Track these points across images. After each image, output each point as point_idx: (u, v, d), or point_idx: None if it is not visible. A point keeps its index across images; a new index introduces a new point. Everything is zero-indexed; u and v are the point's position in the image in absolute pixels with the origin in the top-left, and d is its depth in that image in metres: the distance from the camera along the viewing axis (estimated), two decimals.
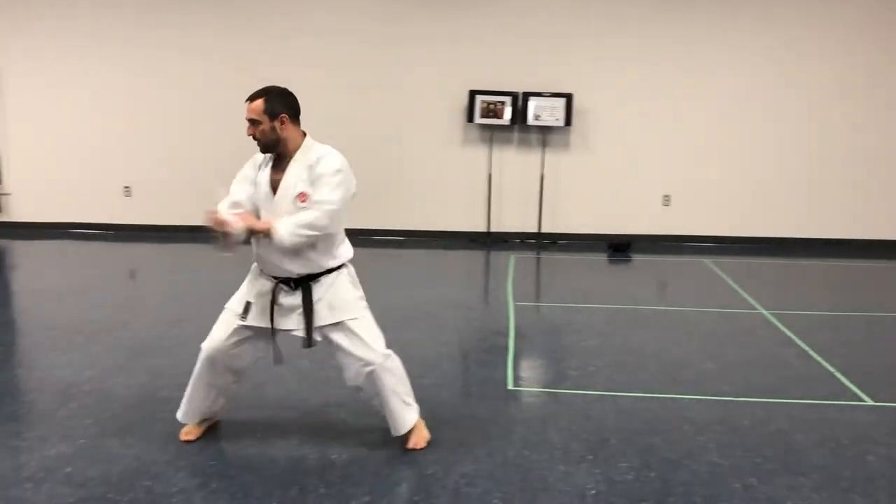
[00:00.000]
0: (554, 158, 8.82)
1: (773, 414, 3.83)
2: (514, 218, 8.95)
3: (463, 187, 8.91)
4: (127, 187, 9.07)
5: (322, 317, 3.19)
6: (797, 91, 8.56)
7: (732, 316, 5.76)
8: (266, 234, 3.06)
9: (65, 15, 8.76)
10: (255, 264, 3.33)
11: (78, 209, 9.15)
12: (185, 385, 3.41)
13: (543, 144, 8.75)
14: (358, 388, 3.33)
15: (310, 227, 3.04)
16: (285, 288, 3.21)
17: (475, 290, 6.91)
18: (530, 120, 8.54)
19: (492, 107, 8.56)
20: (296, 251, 3.11)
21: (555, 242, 8.89)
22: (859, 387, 4.20)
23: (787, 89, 8.56)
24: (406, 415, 3.35)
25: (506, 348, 4.87)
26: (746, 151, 8.71)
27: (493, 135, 8.77)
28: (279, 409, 3.80)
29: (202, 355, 3.31)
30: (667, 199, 8.88)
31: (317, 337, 3.23)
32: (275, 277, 3.21)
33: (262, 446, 3.38)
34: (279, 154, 3.18)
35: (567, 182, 8.85)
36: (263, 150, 3.20)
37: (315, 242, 3.12)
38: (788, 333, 5.23)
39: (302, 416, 3.73)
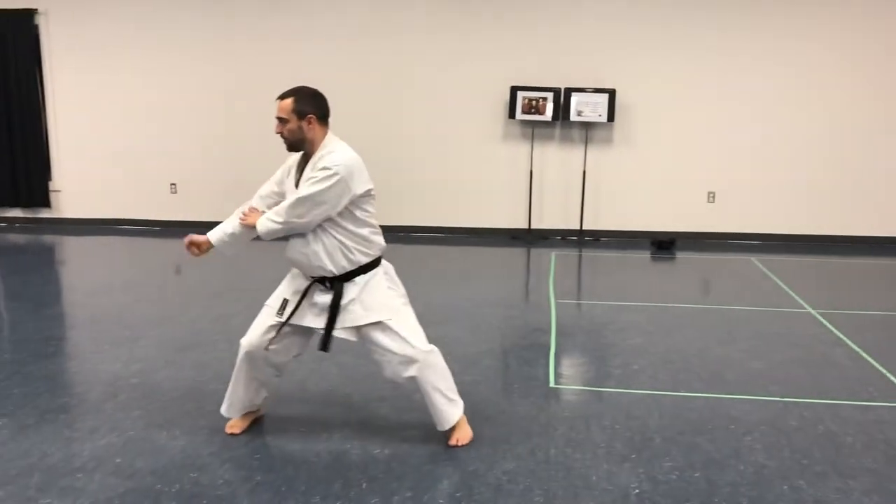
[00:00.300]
0: (596, 155, 8.74)
1: (822, 415, 3.75)
2: (556, 215, 8.90)
3: (504, 184, 8.88)
4: (173, 184, 9.22)
5: (357, 317, 3.20)
6: (845, 88, 8.37)
7: (779, 315, 5.65)
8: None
9: (115, 16, 8.94)
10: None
11: (125, 205, 9.34)
12: (230, 379, 3.45)
13: (586, 140, 8.69)
14: (398, 385, 3.35)
15: (277, 214, 3.12)
16: (321, 287, 3.23)
17: (516, 287, 6.89)
18: (573, 116, 8.48)
19: (533, 103, 8.51)
20: (325, 251, 3.15)
21: (597, 240, 8.81)
22: None
23: (835, 86, 8.37)
24: (450, 410, 3.35)
25: (547, 346, 4.85)
26: (793, 147, 8.54)
27: (534, 131, 8.73)
28: (322, 404, 3.83)
29: (241, 351, 3.35)
30: (712, 196, 8.74)
31: (350, 337, 3.25)
32: (311, 276, 3.24)
33: (305, 440, 3.41)
34: (305, 154, 3.23)
35: (610, 178, 8.77)
36: (289, 149, 3.24)
37: (301, 233, 3.16)
38: (838, 333, 5.12)
39: (345, 411, 3.75)
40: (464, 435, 3.39)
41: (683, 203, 8.76)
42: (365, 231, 3.22)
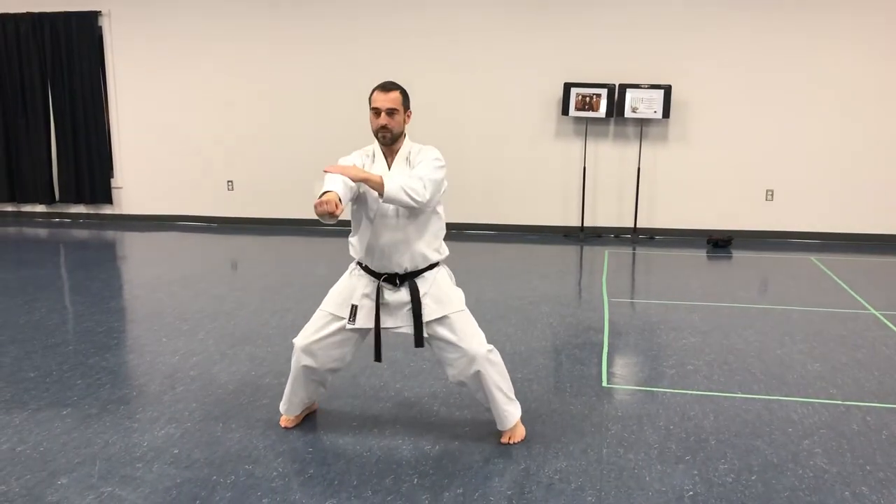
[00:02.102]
0: (651, 151, 8.62)
1: (886, 420, 3.64)
2: (609, 213, 8.81)
3: (557, 181, 8.83)
4: (230, 181, 9.39)
5: (430, 311, 3.20)
6: None
7: (841, 316, 5.50)
8: (375, 188, 2.95)
9: (174, 18, 9.14)
10: (353, 266, 3.34)
11: (184, 202, 9.56)
12: (285, 373, 3.50)
13: (640, 137, 8.57)
14: (462, 384, 3.34)
15: (412, 190, 2.97)
16: (388, 286, 3.23)
17: (569, 285, 6.84)
18: (627, 112, 8.38)
19: (587, 99, 8.43)
20: (409, 243, 3.15)
21: (651, 238, 8.70)
22: None
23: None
24: (511, 409, 3.36)
25: (600, 345, 4.80)
26: (853, 144, 8.30)
27: (588, 128, 8.65)
28: (374, 400, 3.86)
29: (301, 362, 3.32)
30: (770, 194, 8.55)
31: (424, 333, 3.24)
32: (378, 275, 3.23)
33: (357, 435, 3.44)
34: (388, 149, 3.21)
35: (665, 176, 8.64)
36: (389, 142, 3.18)
37: (418, 214, 3.13)
38: None
39: (396, 407, 3.77)
40: (517, 433, 3.38)
41: (740, 201, 8.59)
42: (443, 227, 3.29)
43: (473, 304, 3.41)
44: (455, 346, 3.20)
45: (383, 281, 3.22)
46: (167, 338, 4.87)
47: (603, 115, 8.44)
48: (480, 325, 3.33)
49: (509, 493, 2.95)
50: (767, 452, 3.29)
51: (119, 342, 4.85)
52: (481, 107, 8.76)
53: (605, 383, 4.13)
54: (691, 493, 2.95)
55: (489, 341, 3.31)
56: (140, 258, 7.90)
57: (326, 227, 8.91)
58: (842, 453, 3.28)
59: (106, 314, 5.45)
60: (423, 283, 3.22)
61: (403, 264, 3.19)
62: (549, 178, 8.83)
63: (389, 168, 3.19)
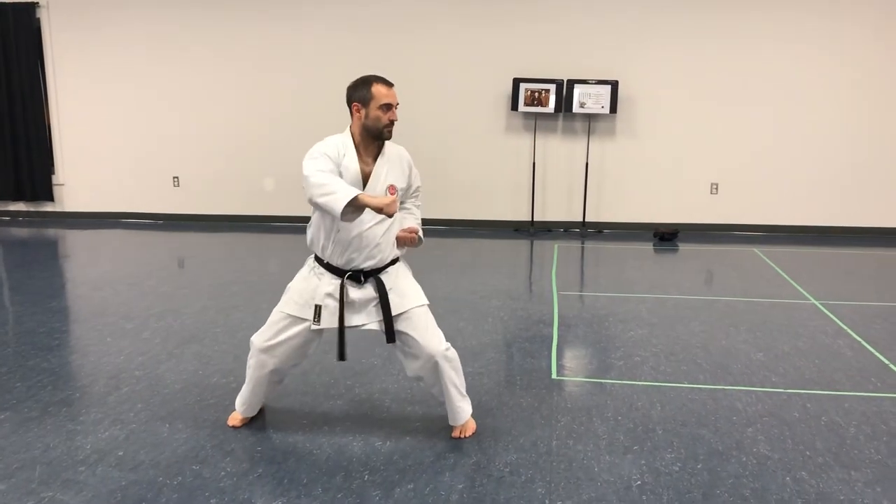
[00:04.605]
0: (599, 146, 8.72)
1: (825, 406, 3.74)
2: (559, 207, 8.89)
3: (506, 176, 8.87)
4: (176, 178, 9.22)
5: (395, 306, 3.18)
6: (847, 78, 8.34)
7: (783, 306, 5.64)
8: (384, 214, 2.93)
9: (117, 10, 8.93)
10: (312, 263, 3.26)
11: (129, 199, 9.35)
12: (233, 371, 3.46)
13: (588, 132, 8.66)
14: (419, 379, 3.32)
15: (418, 209, 3.44)
16: (352, 283, 3.18)
17: (519, 279, 6.88)
18: (575, 107, 8.46)
19: (536, 94, 8.49)
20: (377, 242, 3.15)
21: (600, 231, 8.80)
22: None
23: (836, 76, 8.35)
24: (464, 405, 3.37)
25: (550, 337, 4.84)
26: (795, 138, 8.52)
27: (537, 123, 8.70)
28: (324, 397, 3.83)
29: (265, 367, 3.28)
30: (714, 188, 8.72)
31: (381, 328, 3.20)
32: (341, 273, 3.17)
33: (307, 433, 3.41)
34: (372, 145, 3.15)
35: (612, 170, 8.75)
36: (388, 137, 3.14)
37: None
38: (841, 324, 5.11)
39: (347, 404, 3.75)
40: (467, 427, 3.39)
41: (686, 194, 8.75)
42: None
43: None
44: (416, 342, 3.19)
45: (347, 279, 3.17)
46: (112, 338, 4.76)
47: (552, 111, 8.51)
48: None
49: (460, 486, 2.96)
50: (713, 441, 3.36)
51: (61, 343, 4.73)
52: (431, 102, 8.75)
53: (554, 376, 4.17)
54: (639, 482, 2.99)
55: None
56: (83, 256, 7.72)
57: (273, 223, 8.82)
58: (783, 440, 3.37)
59: (47, 314, 5.31)
60: (387, 279, 3.21)
61: (371, 260, 3.16)
62: (498, 173, 8.87)
63: (373, 164, 3.13)
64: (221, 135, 9.05)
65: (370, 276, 3.19)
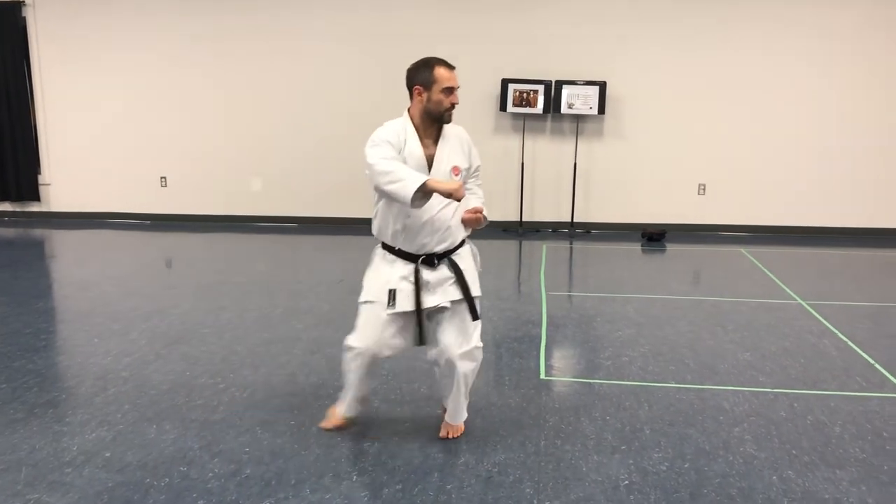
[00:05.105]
0: (587, 147, 8.74)
1: (811, 405, 3.77)
2: (547, 207, 8.90)
3: (495, 177, 8.85)
4: (163, 178, 9.18)
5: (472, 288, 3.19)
6: (834, 79, 8.40)
7: (770, 306, 5.67)
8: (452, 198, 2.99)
9: (103, 9, 8.88)
10: (380, 251, 3.23)
11: (116, 199, 9.29)
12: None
13: (577, 133, 8.68)
14: (436, 364, 3.26)
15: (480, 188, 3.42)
16: (426, 267, 3.14)
17: (508, 279, 6.89)
18: (563, 108, 8.48)
19: (524, 95, 8.50)
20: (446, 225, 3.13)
21: (588, 232, 8.82)
22: None
23: (823, 77, 8.40)
24: (465, 405, 3.36)
25: (538, 337, 4.85)
26: (783, 139, 8.56)
27: (525, 123, 8.72)
28: (313, 398, 3.82)
29: (363, 359, 3.20)
30: (702, 188, 8.76)
31: (447, 305, 3.14)
32: (415, 258, 3.13)
33: (295, 433, 3.41)
34: (433, 128, 3.19)
35: (601, 171, 8.77)
36: (449, 120, 3.21)
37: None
38: (827, 324, 5.14)
39: (335, 404, 3.74)
40: (455, 428, 3.39)
41: (674, 195, 8.78)
42: None
43: None
44: (461, 330, 3.16)
45: (421, 263, 3.14)
46: (98, 338, 4.73)
47: (540, 111, 8.52)
48: None
49: (448, 487, 2.96)
50: (700, 440, 3.38)
51: (48, 344, 4.70)
52: None
53: (543, 375, 4.18)
54: (627, 482, 3.01)
55: None
56: (70, 257, 7.67)
57: (260, 223, 8.79)
58: (770, 439, 3.39)
59: (33, 315, 5.27)
60: (460, 261, 3.20)
61: (444, 243, 3.13)
62: (487, 174, 8.76)
63: (434, 146, 3.15)
64: (209, 135, 9.01)
65: (443, 258, 3.17)
